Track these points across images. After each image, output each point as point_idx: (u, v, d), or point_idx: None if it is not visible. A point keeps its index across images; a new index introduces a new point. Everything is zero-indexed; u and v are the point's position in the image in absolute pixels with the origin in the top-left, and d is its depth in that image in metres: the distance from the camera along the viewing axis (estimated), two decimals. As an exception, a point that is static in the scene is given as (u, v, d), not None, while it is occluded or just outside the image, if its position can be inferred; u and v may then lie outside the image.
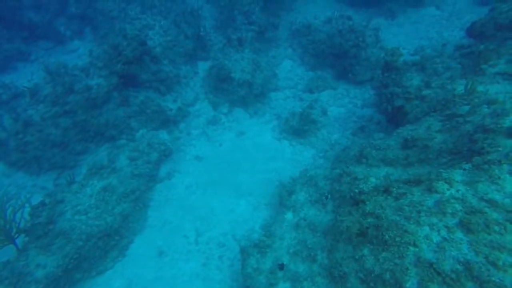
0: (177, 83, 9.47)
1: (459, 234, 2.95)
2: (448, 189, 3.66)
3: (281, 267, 4.73)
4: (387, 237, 3.43)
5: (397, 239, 3.27)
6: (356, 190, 4.89)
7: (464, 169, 3.86)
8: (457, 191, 3.58)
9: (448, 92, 5.95)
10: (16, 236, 5.70)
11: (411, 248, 3.03)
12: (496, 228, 2.81)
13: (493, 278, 2.45)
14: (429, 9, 10.21)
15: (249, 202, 6.90)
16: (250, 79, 9.14)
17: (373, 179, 4.98)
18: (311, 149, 7.97)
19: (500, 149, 3.72)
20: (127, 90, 8.57)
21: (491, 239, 2.76)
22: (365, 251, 3.66)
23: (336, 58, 9.87)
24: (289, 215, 5.54)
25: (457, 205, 3.36)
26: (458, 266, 2.65)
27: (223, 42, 10.39)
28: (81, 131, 8.00)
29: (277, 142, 8.31)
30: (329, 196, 5.73)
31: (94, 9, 12.19)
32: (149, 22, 10.01)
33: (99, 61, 8.36)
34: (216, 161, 7.95)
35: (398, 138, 6.06)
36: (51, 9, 12.37)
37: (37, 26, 12.07)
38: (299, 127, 8.27)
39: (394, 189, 4.31)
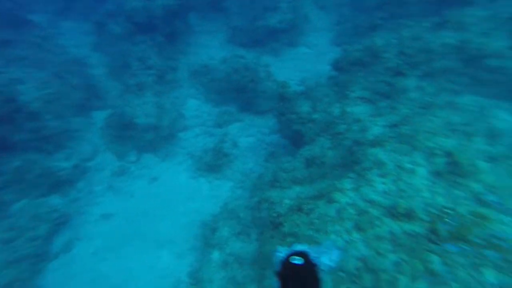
0: (69, 138, 8.45)
1: (355, 235, 3.49)
2: (343, 198, 4.30)
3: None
4: (304, 253, 3.76)
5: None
6: (274, 214, 5.21)
7: (351, 178, 4.63)
8: (350, 197, 4.24)
9: (329, 115, 7.12)
10: None
11: (323, 258, 3.42)
12: (377, 222, 3.46)
13: (380, 266, 2.98)
14: (302, 48, 12.31)
15: (172, 250, 6.46)
16: (155, 122, 8.92)
17: (287, 201, 5.41)
18: (228, 182, 8.14)
19: (369, 157, 4.63)
20: (-4, 157, 7.14)
21: (375, 233, 3.37)
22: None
23: (237, 92, 10.65)
24: (215, 255, 5.42)
25: (351, 210, 3.97)
26: (359, 263, 3.12)
27: (121, 89, 9.95)
28: None
29: (194, 181, 8.20)
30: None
31: None
32: (19, 75, 8.79)
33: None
34: (129, 214, 7.25)
35: (301, 158, 6.80)
36: None
37: None
38: (213, 163, 8.40)
39: (305, 206, 4.78)
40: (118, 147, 8.77)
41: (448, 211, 3.35)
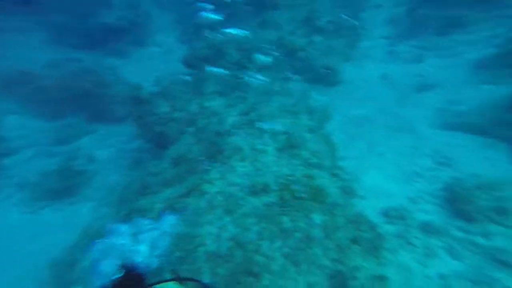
0: None
1: (226, 219, 3.89)
2: (212, 188, 4.64)
3: None
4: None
5: (191, 247, 3.78)
6: (148, 223, 5.02)
7: (216, 168, 5.03)
8: (218, 186, 4.63)
9: (189, 112, 7.32)
10: None
11: (201, 248, 3.64)
12: (242, 202, 4.01)
13: (246, 239, 3.52)
14: (153, 48, 11.88)
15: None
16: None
17: (158, 205, 5.29)
18: (89, 202, 7.12)
19: (229, 145, 5.16)
20: None
21: (241, 212, 3.89)
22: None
23: (81, 100, 9.23)
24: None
25: (219, 198, 4.36)
26: (230, 243, 3.54)
27: None
28: None
29: (32, 216, 6.67)
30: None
31: None
32: None
33: None
34: None
35: (168, 159, 6.72)
36: None
37: None
38: (63, 186, 7.10)
39: (177, 204, 4.84)
40: None
41: (289, 177, 4.25)
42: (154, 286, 1.31)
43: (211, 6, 7.21)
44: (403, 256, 4.24)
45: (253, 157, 4.79)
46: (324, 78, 8.08)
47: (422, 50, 8.48)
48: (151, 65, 11.13)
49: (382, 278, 3.61)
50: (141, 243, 1.40)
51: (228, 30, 6.76)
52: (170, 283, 1.36)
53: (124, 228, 1.45)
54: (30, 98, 8.72)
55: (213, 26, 7.79)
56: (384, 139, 6.39)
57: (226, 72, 7.09)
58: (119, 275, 1.26)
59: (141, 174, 6.91)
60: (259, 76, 6.71)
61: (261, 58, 7.30)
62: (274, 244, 3.49)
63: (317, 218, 3.78)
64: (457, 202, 4.68)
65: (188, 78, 8.62)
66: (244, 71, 7.80)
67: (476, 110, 6.22)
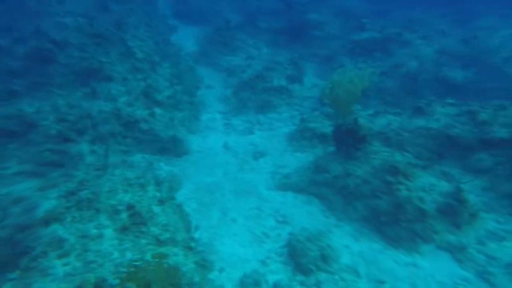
0: None
1: None
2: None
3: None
4: None
5: None
6: None
7: (12, 280, 3.40)
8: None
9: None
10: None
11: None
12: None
13: None
14: None
15: None
16: None
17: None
18: None
19: (43, 239, 3.79)
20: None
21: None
22: None
23: None
24: None
25: None
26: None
27: None
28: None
29: None
30: None
31: None
32: None
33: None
34: None
35: None
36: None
37: None
38: None
39: None
40: None
41: (136, 263, 3.46)
42: None
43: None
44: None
45: (82, 247, 3.67)
46: (172, 149, 7.98)
47: (250, 124, 10.19)
48: None
49: None
50: None
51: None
52: None
53: None
54: None
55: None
56: (234, 204, 6.67)
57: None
58: None
59: None
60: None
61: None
62: None
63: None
64: (296, 256, 5.18)
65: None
66: (69, 144, 6.55)
67: (296, 173, 7.71)
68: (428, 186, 5.82)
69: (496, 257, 5.16)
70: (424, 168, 6.41)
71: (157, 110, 8.28)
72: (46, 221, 4.00)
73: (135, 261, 3.50)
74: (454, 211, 5.51)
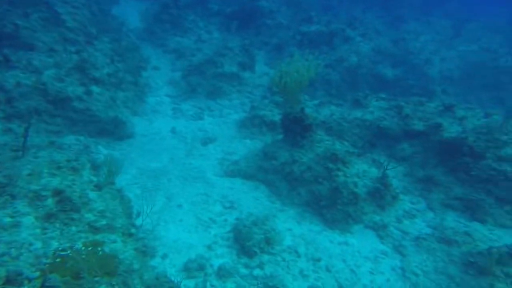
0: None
1: None
2: None
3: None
4: None
5: None
6: None
7: None
8: None
9: None
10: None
11: None
12: None
13: None
14: None
15: None
16: None
17: None
18: None
19: None
20: None
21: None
22: None
23: None
24: None
25: None
26: None
27: None
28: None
29: None
30: None
31: None
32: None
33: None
34: None
35: None
36: None
37: None
38: None
39: None
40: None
41: (63, 252, 3.11)
42: None
43: None
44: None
45: (-5, 238, 3.15)
46: (113, 131, 7.32)
47: (199, 109, 9.89)
48: None
49: None
50: None
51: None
52: None
53: None
54: None
55: None
56: (181, 190, 6.45)
57: None
58: None
59: None
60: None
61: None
62: None
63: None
64: (241, 240, 5.27)
65: None
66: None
67: (244, 160, 7.76)
68: (361, 172, 6.38)
69: (408, 232, 5.97)
70: (359, 156, 7.01)
71: (95, 88, 7.46)
72: None
73: (63, 250, 3.14)
74: (380, 194, 6.17)
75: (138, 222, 5.03)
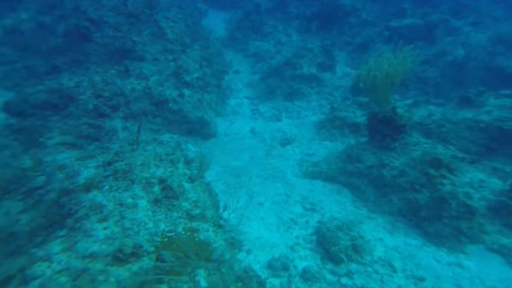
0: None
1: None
2: (48, 267, 3.14)
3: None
4: None
5: None
6: None
7: (61, 237, 3.57)
8: (59, 263, 3.18)
9: (16, 169, 5.30)
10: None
11: None
12: (101, 277, 2.83)
13: None
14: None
15: None
16: None
17: None
18: None
19: (84, 204, 3.86)
20: None
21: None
22: None
23: None
24: None
25: (63, 278, 2.96)
26: None
27: None
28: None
29: None
30: None
31: None
32: None
33: None
34: None
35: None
36: None
37: None
38: None
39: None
40: None
41: (169, 234, 3.44)
42: None
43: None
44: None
45: (120, 214, 3.70)
46: (199, 130, 7.97)
47: (277, 111, 9.97)
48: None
49: None
50: None
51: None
52: None
53: None
54: None
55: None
56: (261, 189, 6.56)
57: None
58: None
59: None
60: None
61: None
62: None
63: (203, 280, 3.07)
64: (326, 244, 4.99)
65: (13, 128, 6.53)
66: (105, 120, 6.69)
67: (324, 161, 7.45)
68: (477, 182, 5.36)
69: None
70: (472, 163, 5.92)
71: (186, 91, 8.26)
72: (87, 188, 4.08)
73: (169, 232, 3.48)
74: (509, 211, 5.04)
75: (225, 215, 5.28)
